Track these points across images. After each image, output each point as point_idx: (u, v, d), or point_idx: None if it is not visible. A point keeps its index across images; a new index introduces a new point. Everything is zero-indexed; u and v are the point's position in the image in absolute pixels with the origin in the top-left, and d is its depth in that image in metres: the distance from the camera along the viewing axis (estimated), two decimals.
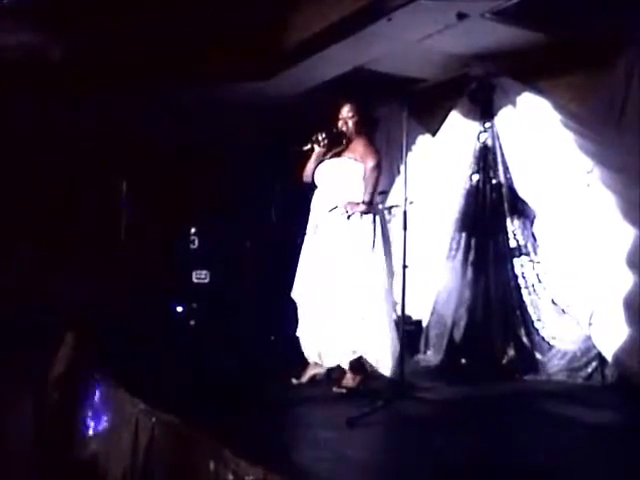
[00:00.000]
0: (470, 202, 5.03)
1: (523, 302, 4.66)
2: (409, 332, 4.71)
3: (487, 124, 4.91)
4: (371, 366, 3.89)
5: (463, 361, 4.90)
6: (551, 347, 4.50)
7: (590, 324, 4.27)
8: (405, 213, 3.62)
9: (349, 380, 3.88)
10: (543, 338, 4.55)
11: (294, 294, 4.10)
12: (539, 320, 4.58)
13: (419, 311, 5.20)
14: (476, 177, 5.00)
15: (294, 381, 4.03)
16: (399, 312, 3.75)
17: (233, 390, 3.84)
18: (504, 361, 4.73)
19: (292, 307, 4.13)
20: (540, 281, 4.61)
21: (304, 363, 4.09)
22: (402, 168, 3.79)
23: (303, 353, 4.08)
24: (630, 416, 3.66)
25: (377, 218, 3.91)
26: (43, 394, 4.29)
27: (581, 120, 4.35)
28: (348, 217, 3.84)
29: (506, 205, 4.81)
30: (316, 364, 4.06)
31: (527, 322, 4.63)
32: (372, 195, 3.92)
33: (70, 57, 4.74)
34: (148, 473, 3.15)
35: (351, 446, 2.84)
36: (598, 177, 4.23)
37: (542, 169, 4.51)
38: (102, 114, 5.66)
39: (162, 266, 6.04)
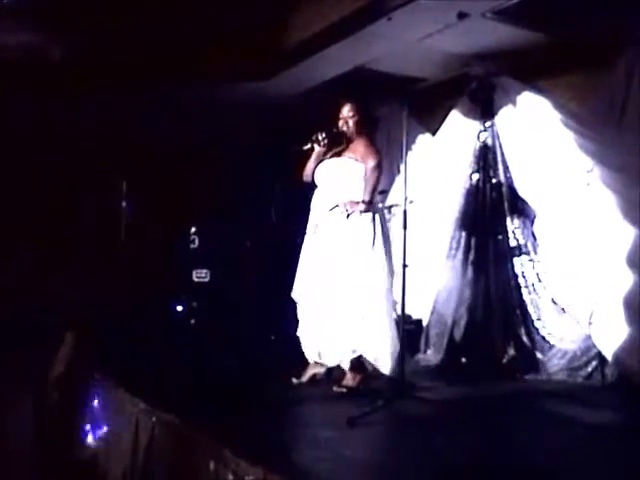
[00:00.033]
0: (470, 201, 5.03)
1: (523, 301, 4.66)
2: (409, 331, 4.71)
3: (487, 123, 4.91)
4: (371, 365, 3.89)
5: (463, 360, 4.90)
6: (551, 346, 4.50)
7: (590, 323, 4.27)
8: (405, 212, 3.62)
9: (349, 379, 3.88)
10: (543, 337, 4.55)
11: (294, 294, 4.11)
12: (539, 319, 4.58)
13: (419, 310, 5.20)
14: (476, 176, 5.00)
15: (294, 381, 4.03)
16: (399, 311, 3.75)
17: (233, 390, 3.84)
18: (504, 360, 4.73)
19: (292, 307, 4.13)
20: (540, 280, 4.61)
21: (304, 363, 4.09)
22: (402, 167, 3.79)
23: (303, 353, 4.08)
24: (630, 416, 3.66)
25: (377, 217, 3.91)
26: (43, 394, 4.29)
27: (581, 119, 4.35)
28: (347, 216, 3.84)
29: (506, 204, 4.81)
30: (316, 363, 4.06)
31: (527, 321, 4.63)
32: (372, 194, 3.92)
33: (70, 57, 4.74)
34: (148, 473, 3.15)
35: (351, 446, 2.84)
36: (598, 176, 4.23)
37: (542, 168, 4.51)
38: (102, 114, 5.66)
39: (162, 266, 6.04)
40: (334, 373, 4.05)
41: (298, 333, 4.08)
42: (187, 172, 6.27)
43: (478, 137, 4.96)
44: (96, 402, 4.07)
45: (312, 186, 4.12)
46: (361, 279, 3.82)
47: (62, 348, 4.47)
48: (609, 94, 4.19)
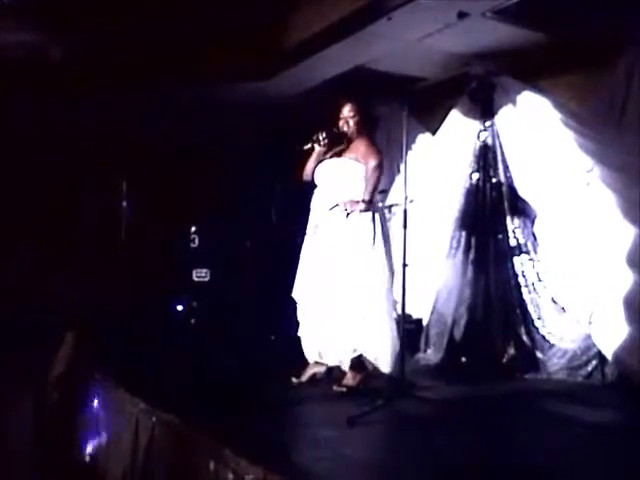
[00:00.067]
0: (470, 201, 5.03)
1: (523, 301, 4.66)
2: (409, 331, 4.71)
3: (487, 123, 4.91)
4: (371, 365, 3.89)
5: (463, 360, 4.90)
6: (551, 346, 4.50)
7: (590, 323, 4.27)
8: (405, 212, 3.62)
9: (349, 379, 3.88)
10: (543, 337, 4.55)
11: (295, 294, 4.11)
12: (539, 319, 4.58)
13: (419, 310, 5.20)
14: (476, 176, 5.00)
15: (294, 380, 4.03)
16: (399, 311, 3.75)
17: (233, 390, 3.85)
18: (504, 360, 4.73)
19: (292, 307, 4.13)
20: (540, 280, 4.61)
21: (304, 362, 4.09)
22: (402, 167, 3.79)
23: (303, 352, 4.08)
24: (630, 415, 3.67)
25: (377, 216, 3.91)
26: (43, 394, 4.29)
27: (581, 119, 4.35)
28: (347, 215, 3.84)
29: (506, 204, 4.81)
30: (316, 363, 4.06)
31: (527, 321, 4.62)
32: (372, 194, 3.92)
33: (70, 57, 4.74)
34: (148, 473, 3.16)
35: (351, 445, 2.84)
36: (598, 176, 4.23)
37: (542, 168, 4.51)
38: (102, 114, 5.66)
39: (162, 265, 6.04)
40: (334, 372, 4.05)
41: (299, 333, 4.08)
42: (187, 172, 6.27)
43: (478, 137, 4.96)
44: (96, 402, 4.07)
45: (312, 186, 4.12)
46: (361, 279, 3.82)
47: (62, 348, 4.47)
48: (609, 94, 4.19)
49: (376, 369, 3.88)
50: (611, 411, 3.70)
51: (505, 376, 4.55)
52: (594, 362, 4.28)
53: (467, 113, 4.99)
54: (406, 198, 3.64)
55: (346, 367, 3.92)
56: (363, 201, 3.86)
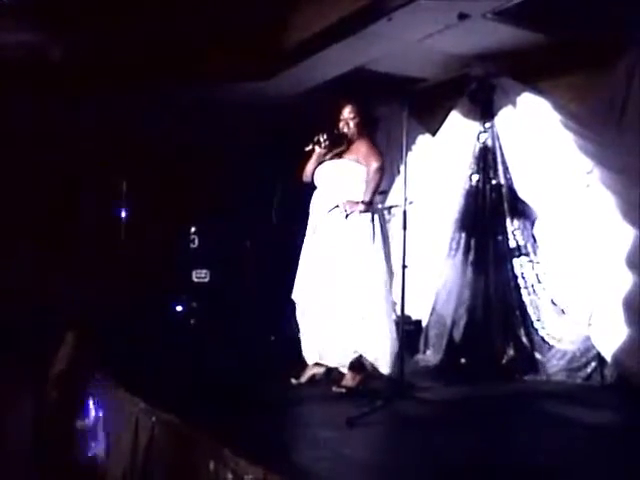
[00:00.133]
0: (470, 202, 5.03)
1: (523, 302, 4.66)
2: (409, 332, 4.72)
3: (487, 124, 4.91)
4: (371, 366, 3.89)
5: (462, 361, 4.91)
6: (550, 347, 4.50)
7: (589, 324, 4.27)
8: (405, 213, 3.63)
9: (348, 380, 3.88)
10: (543, 338, 4.55)
11: (294, 295, 4.11)
12: (539, 320, 4.58)
13: (419, 311, 5.20)
14: (476, 177, 5.00)
15: (293, 381, 4.04)
16: (399, 312, 3.75)
17: (233, 390, 3.85)
18: (503, 361, 4.73)
19: (291, 307, 4.14)
20: (540, 281, 4.61)
21: (303, 363, 4.09)
22: (402, 168, 3.79)
23: (302, 353, 4.08)
24: (629, 416, 3.66)
25: (376, 218, 3.91)
26: (42, 394, 4.29)
27: (581, 120, 4.35)
28: (347, 216, 3.85)
29: (506, 205, 4.81)
30: (316, 364, 4.06)
31: (527, 322, 4.62)
32: (372, 195, 3.92)
33: (70, 57, 4.74)
34: (148, 473, 3.16)
35: (351, 446, 2.84)
36: (598, 178, 4.23)
37: (542, 170, 4.51)
38: (102, 114, 5.66)
39: (162, 265, 6.04)
40: (333, 373, 4.05)
41: (300, 334, 4.09)
42: (187, 172, 6.27)
43: (478, 138, 4.96)
44: (96, 402, 4.07)
45: (312, 187, 4.12)
46: (360, 280, 3.82)
47: (62, 348, 4.47)
48: (609, 94, 4.19)
49: (375, 370, 3.88)
50: (610, 412, 3.71)
51: (504, 377, 4.55)
52: (593, 364, 4.28)
53: (467, 114, 4.99)
54: (406, 199, 3.64)
55: (345, 368, 3.92)
56: (363, 202, 3.86)
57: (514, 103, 4.68)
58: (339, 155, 4.10)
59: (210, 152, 6.18)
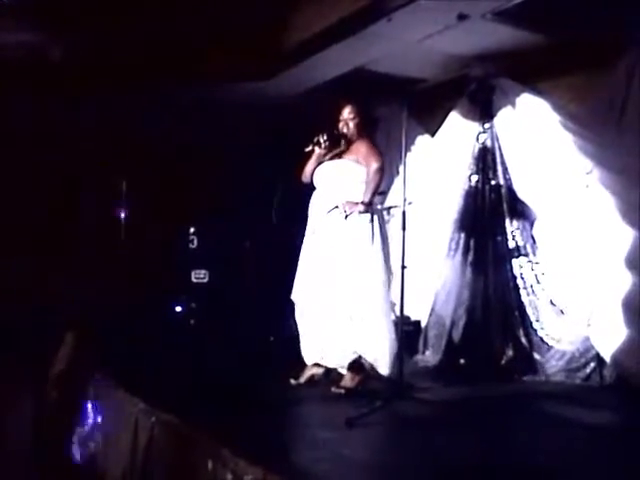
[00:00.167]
0: (469, 203, 5.03)
1: (522, 303, 4.66)
2: (408, 332, 4.73)
3: (486, 125, 4.91)
4: (370, 366, 3.90)
5: (462, 361, 4.91)
6: (550, 348, 4.50)
7: (589, 325, 4.27)
8: (404, 213, 3.63)
9: (348, 380, 3.88)
10: (542, 339, 4.55)
11: (294, 296, 4.11)
12: (538, 321, 4.58)
13: (418, 311, 5.20)
14: (475, 178, 5.00)
15: (292, 382, 4.04)
16: (398, 312, 3.76)
17: (232, 390, 3.85)
18: (503, 362, 4.73)
19: (291, 308, 4.14)
20: (539, 282, 4.61)
21: (303, 364, 4.09)
22: (401, 168, 3.79)
23: (301, 353, 4.09)
24: (628, 417, 3.67)
25: (375, 218, 3.91)
26: (43, 394, 4.29)
27: (581, 121, 4.35)
28: (346, 217, 3.85)
29: (505, 206, 4.81)
30: (315, 365, 4.06)
31: (526, 323, 4.63)
32: (372, 196, 3.92)
33: (70, 57, 4.74)
34: (147, 473, 3.16)
35: (350, 446, 2.84)
36: (597, 178, 4.23)
37: (541, 170, 4.51)
38: (102, 114, 5.66)
39: (161, 266, 6.04)
40: (332, 374, 4.05)
41: (300, 335, 4.09)
42: (187, 172, 6.27)
43: (477, 138, 4.96)
44: (95, 402, 4.07)
45: (312, 187, 4.12)
46: (359, 280, 3.83)
47: (62, 348, 4.47)
48: (609, 95, 4.19)
49: (374, 370, 3.88)
50: (609, 413, 3.71)
51: (503, 378, 4.55)
52: (592, 364, 4.28)
53: (466, 115, 4.99)
54: (405, 200, 3.64)
55: (344, 369, 3.92)
56: (362, 203, 3.87)
57: (513, 104, 4.68)
58: (339, 155, 4.10)
59: (210, 152, 6.18)
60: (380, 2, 4.06)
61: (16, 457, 3.89)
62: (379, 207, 4.08)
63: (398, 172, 5.09)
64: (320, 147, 4.04)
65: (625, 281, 4.11)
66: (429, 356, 5.12)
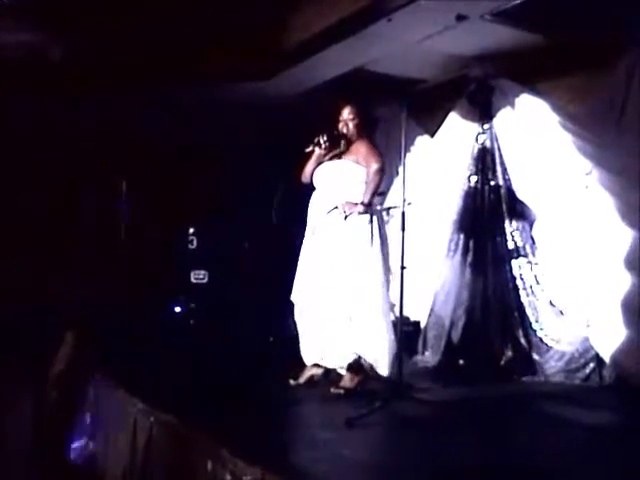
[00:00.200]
0: (468, 203, 5.03)
1: (521, 303, 4.66)
2: (407, 333, 4.73)
3: (486, 125, 4.91)
4: (369, 367, 3.90)
5: (461, 362, 4.91)
6: (549, 348, 4.50)
7: (588, 325, 4.27)
8: (403, 214, 3.63)
9: (347, 381, 3.88)
10: (541, 339, 4.55)
11: (293, 296, 4.11)
12: (537, 321, 4.58)
13: (417, 312, 5.20)
14: (474, 178, 5.00)
15: (292, 382, 4.04)
16: (397, 313, 3.76)
17: (231, 390, 3.85)
18: (502, 362, 4.73)
19: (290, 308, 4.14)
20: (538, 282, 4.61)
21: (302, 364, 4.10)
22: (401, 169, 3.80)
23: (301, 354, 4.09)
24: (628, 417, 3.67)
25: (375, 219, 3.91)
26: (43, 394, 4.29)
27: (580, 122, 4.35)
28: (345, 217, 3.85)
29: (504, 207, 4.81)
30: (314, 365, 4.07)
31: (525, 323, 4.63)
32: (371, 197, 3.92)
33: (70, 57, 4.74)
34: (147, 473, 3.16)
35: (349, 447, 2.85)
36: (597, 179, 4.23)
37: (541, 171, 4.51)
38: (102, 114, 5.66)
39: (161, 266, 6.05)
40: (332, 374, 4.05)
41: (299, 335, 4.09)
42: (187, 172, 6.27)
43: (477, 139, 4.96)
44: (95, 402, 4.08)
45: (311, 188, 4.12)
46: (359, 281, 3.83)
47: (62, 348, 4.48)
48: (608, 95, 4.18)
49: (374, 371, 3.88)
50: (609, 413, 3.71)
51: (503, 378, 4.55)
52: (592, 365, 4.28)
53: (466, 115, 4.99)
54: (404, 200, 3.65)
55: (344, 369, 3.93)
56: (362, 203, 3.87)
57: (513, 104, 4.68)
58: (338, 156, 4.10)
59: (210, 152, 6.18)
60: (380, 2, 4.06)
61: (16, 457, 3.89)
62: (378, 208, 4.08)
63: (397, 173, 5.09)
64: (320, 147, 4.04)
65: (624, 282, 4.11)
66: (428, 357, 5.12)
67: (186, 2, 4.56)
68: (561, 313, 4.49)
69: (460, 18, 4.01)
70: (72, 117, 5.63)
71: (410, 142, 5.22)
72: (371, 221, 3.89)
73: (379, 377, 3.88)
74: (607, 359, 4.17)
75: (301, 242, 4.10)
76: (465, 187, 5.04)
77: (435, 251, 5.14)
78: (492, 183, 4.90)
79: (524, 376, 4.54)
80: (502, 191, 4.83)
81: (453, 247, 5.08)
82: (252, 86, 5.35)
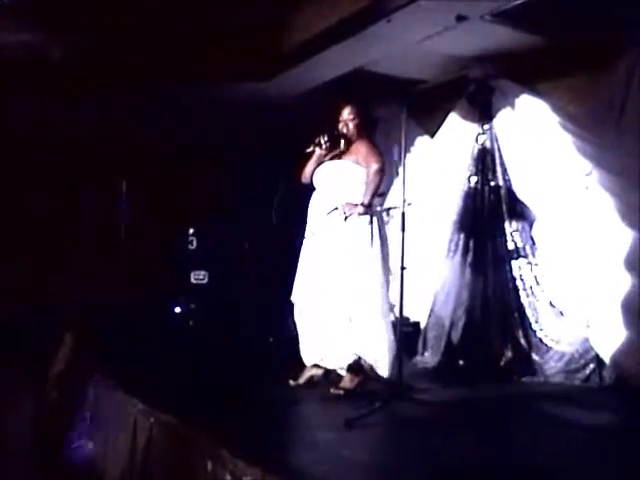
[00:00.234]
0: (468, 204, 5.03)
1: (521, 304, 4.66)
2: (407, 334, 4.73)
3: (486, 126, 4.91)
4: (369, 367, 3.90)
5: (461, 363, 4.90)
6: (549, 349, 4.50)
7: (588, 326, 4.27)
8: (403, 214, 3.63)
9: (347, 382, 3.88)
10: (541, 340, 4.56)
11: (293, 297, 4.11)
12: (537, 322, 4.58)
13: (417, 313, 5.20)
14: (474, 179, 5.00)
15: (292, 382, 4.04)
16: (397, 314, 3.76)
17: (231, 391, 3.86)
18: (502, 363, 4.73)
19: (290, 308, 4.14)
20: (538, 283, 4.61)
21: (302, 365, 4.10)
22: (400, 169, 3.80)
23: (301, 355, 4.09)
24: (628, 418, 3.68)
25: (375, 219, 3.91)
26: (43, 394, 4.29)
27: (580, 122, 4.35)
28: (345, 218, 3.85)
29: (504, 207, 4.82)
30: (314, 366, 4.07)
31: (525, 324, 4.63)
32: (372, 197, 3.92)
33: (70, 57, 4.74)
34: (146, 473, 3.16)
35: (349, 447, 2.85)
36: (597, 180, 4.23)
37: (541, 171, 4.51)
38: (102, 114, 5.66)
39: (161, 266, 6.04)
40: (332, 375, 4.05)
41: (299, 336, 4.09)
42: (187, 172, 6.27)
43: (476, 140, 4.96)
44: (95, 402, 4.07)
45: (312, 188, 4.12)
46: (359, 282, 3.83)
47: (62, 348, 4.48)
48: (608, 95, 4.18)
49: (374, 372, 3.88)
50: (609, 414, 3.71)
51: (502, 379, 4.55)
52: (592, 365, 4.28)
53: (465, 116, 5.00)
54: (404, 201, 3.65)
55: (344, 370, 3.93)
56: (362, 204, 3.87)
57: (513, 105, 4.68)
58: (338, 156, 4.10)
59: (210, 152, 6.18)
60: (380, 3, 4.06)
61: (16, 457, 3.89)
62: (378, 208, 4.08)
63: (397, 173, 5.09)
64: (321, 148, 4.04)
65: (624, 282, 4.11)
66: (428, 357, 5.12)
67: (186, 2, 4.57)
68: (561, 314, 4.49)
69: (460, 19, 4.01)
70: (72, 117, 5.63)
71: (410, 142, 5.22)
72: (371, 222, 3.88)
73: (379, 378, 3.88)
74: (607, 360, 4.17)
75: (301, 242, 4.10)
76: (465, 188, 5.04)
77: (435, 251, 5.14)
78: (492, 184, 4.90)
79: (524, 377, 4.54)
80: (502, 192, 4.83)
81: (453, 247, 5.08)
82: (252, 86, 5.36)
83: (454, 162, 5.08)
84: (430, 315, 5.17)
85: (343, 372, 3.94)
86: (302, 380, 4.05)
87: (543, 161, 4.49)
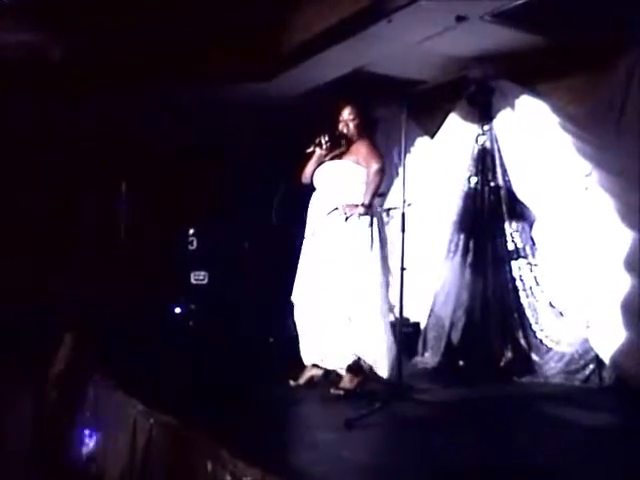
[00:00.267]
0: (468, 204, 5.03)
1: (521, 305, 4.66)
2: (407, 334, 4.73)
3: (486, 127, 4.90)
4: (369, 368, 3.90)
5: (461, 363, 4.90)
6: (548, 349, 4.50)
7: (588, 327, 4.27)
8: (403, 215, 3.63)
9: (347, 382, 3.88)
10: (541, 340, 4.56)
11: (293, 297, 4.11)
12: (537, 322, 4.58)
13: (417, 313, 5.20)
14: (474, 180, 5.00)
15: (292, 383, 4.04)
16: (397, 314, 3.76)
17: (231, 391, 3.86)
18: (502, 363, 4.73)
19: (290, 309, 4.14)
20: (538, 284, 4.61)
21: (302, 365, 4.10)
22: (401, 170, 3.80)
23: (301, 355, 4.09)
24: (627, 418, 3.67)
25: (375, 220, 3.91)
26: (43, 394, 4.29)
27: (580, 123, 4.35)
28: (346, 219, 3.85)
29: (504, 208, 4.82)
30: (314, 366, 4.07)
31: (525, 324, 4.63)
32: (372, 198, 3.92)
33: (70, 57, 4.74)
34: (146, 474, 3.17)
35: (349, 447, 2.85)
36: (596, 180, 4.23)
37: (541, 172, 4.51)
38: (102, 114, 5.66)
39: (161, 267, 6.04)
40: (331, 375, 4.05)
41: (299, 336, 4.09)
42: (187, 172, 6.27)
43: (476, 140, 4.96)
44: (95, 403, 4.07)
45: (312, 188, 4.12)
46: (359, 282, 3.83)
47: (62, 348, 4.48)
48: (608, 95, 4.18)
49: (373, 372, 3.89)
50: (608, 414, 3.71)
51: (502, 379, 4.54)
52: (591, 366, 4.28)
53: (465, 117, 4.99)
54: (404, 201, 3.65)
55: (343, 370, 3.93)
56: (362, 205, 3.87)
57: (512, 105, 4.67)
58: (339, 156, 4.10)
59: (210, 152, 6.18)
60: (380, 3, 4.06)
61: (16, 457, 3.89)
62: (379, 209, 4.08)
63: (397, 174, 5.09)
64: (321, 148, 4.04)
65: (624, 283, 4.11)
66: (428, 357, 5.12)
67: (186, 2, 4.57)
68: (561, 314, 4.49)
69: (460, 19, 4.01)
70: (72, 117, 5.63)
71: (410, 143, 5.22)
72: (371, 223, 3.88)
73: (379, 378, 3.88)
74: (607, 360, 4.17)
75: (301, 243, 4.10)
76: (465, 188, 5.04)
77: (435, 252, 5.14)
78: (492, 184, 4.90)
79: (524, 377, 4.53)
80: (502, 192, 4.83)
81: (453, 248, 5.08)
82: (252, 86, 5.36)
83: (454, 163, 5.08)
84: (430, 315, 5.17)
85: (343, 372, 3.94)
86: (302, 380, 4.05)
87: (543, 162, 4.49)
